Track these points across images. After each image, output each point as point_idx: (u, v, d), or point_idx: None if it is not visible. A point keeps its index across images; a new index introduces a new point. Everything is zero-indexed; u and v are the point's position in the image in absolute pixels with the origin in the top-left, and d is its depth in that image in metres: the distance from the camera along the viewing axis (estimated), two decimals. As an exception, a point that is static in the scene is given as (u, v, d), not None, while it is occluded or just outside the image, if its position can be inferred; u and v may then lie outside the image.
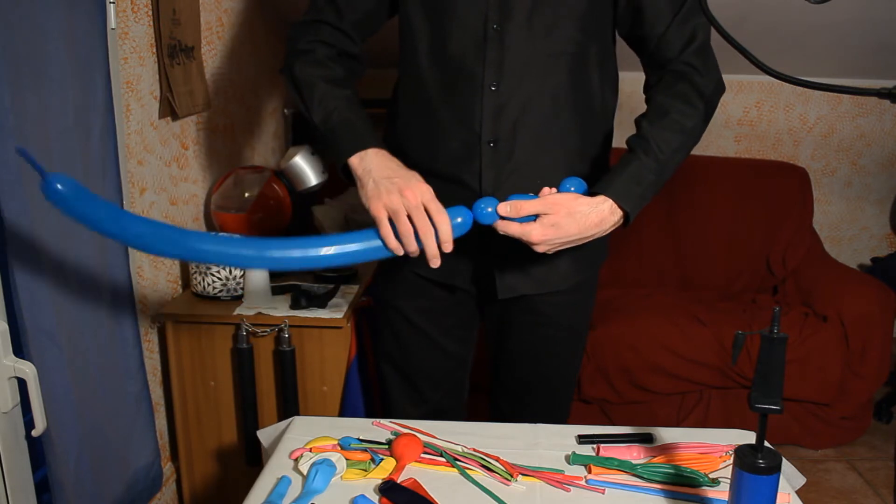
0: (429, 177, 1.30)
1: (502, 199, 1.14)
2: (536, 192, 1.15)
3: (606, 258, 1.46)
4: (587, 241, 1.15)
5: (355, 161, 1.16)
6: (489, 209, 1.11)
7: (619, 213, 1.16)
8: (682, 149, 1.20)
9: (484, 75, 1.23)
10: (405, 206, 1.08)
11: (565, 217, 1.11)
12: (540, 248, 1.13)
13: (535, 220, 1.11)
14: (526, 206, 1.11)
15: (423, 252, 1.37)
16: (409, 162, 1.33)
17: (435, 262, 1.10)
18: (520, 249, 1.15)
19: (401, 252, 1.11)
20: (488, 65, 1.22)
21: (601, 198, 1.14)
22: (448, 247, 1.10)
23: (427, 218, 1.08)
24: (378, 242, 1.10)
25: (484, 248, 1.32)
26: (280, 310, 1.87)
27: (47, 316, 1.33)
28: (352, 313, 1.89)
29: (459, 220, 1.11)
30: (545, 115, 1.26)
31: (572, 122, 1.27)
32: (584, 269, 1.40)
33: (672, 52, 1.23)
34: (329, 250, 1.07)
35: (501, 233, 1.12)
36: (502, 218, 1.11)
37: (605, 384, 2.45)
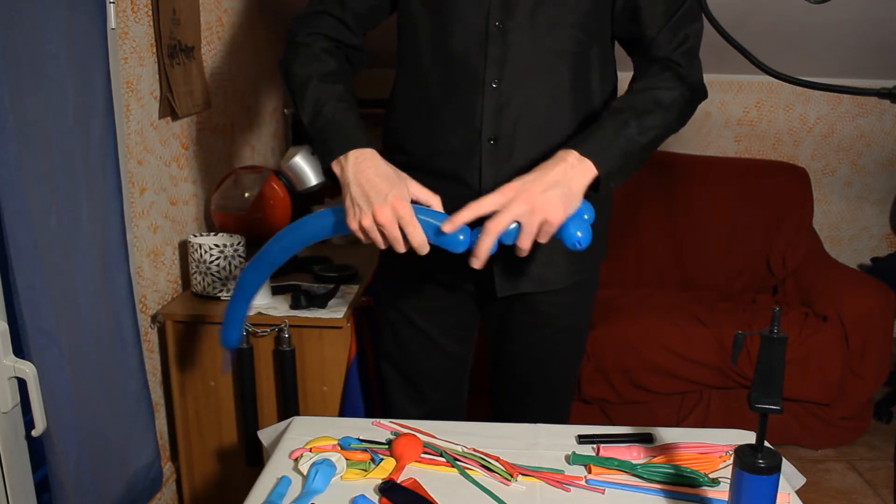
0: (428, 175, 1.30)
1: None
2: None
3: (606, 257, 1.46)
4: (561, 197, 1.06)
5: (336, 170, 1.14)
6: (461, 237, 1.06)
7: (586, 166, 1.09)
8: (658, 123, 1.16)
9: (485, 73, 1.23)
10: (377, 228, 1.07)
11: (520, 187, 1.06)
12: (528, 239, 1.06)
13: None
14: (468, 211, 1.06)
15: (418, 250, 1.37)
16: (409, 160, 1.33)
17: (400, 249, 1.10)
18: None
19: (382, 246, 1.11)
20: (490, 62, 1.22)
21: (563, 151, 1.10)
22: (422, 251, 1.08)
23: (399, 233, 1.07)
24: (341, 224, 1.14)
25: None
26: (280, 310, 1.87)
27: (47, 316, 1.33)
28: (352, 313, 1.89)
29: (462, 237, 1.06)
30: (546, 113, 1.26)
31: (573, 121, 1.27)
32: (584, 267, 1.40)
33: (662, 53, 1.23)
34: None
35: (486, 252, 1.06)
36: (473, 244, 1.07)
37: (605, 384, 2.45)
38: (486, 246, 1.05)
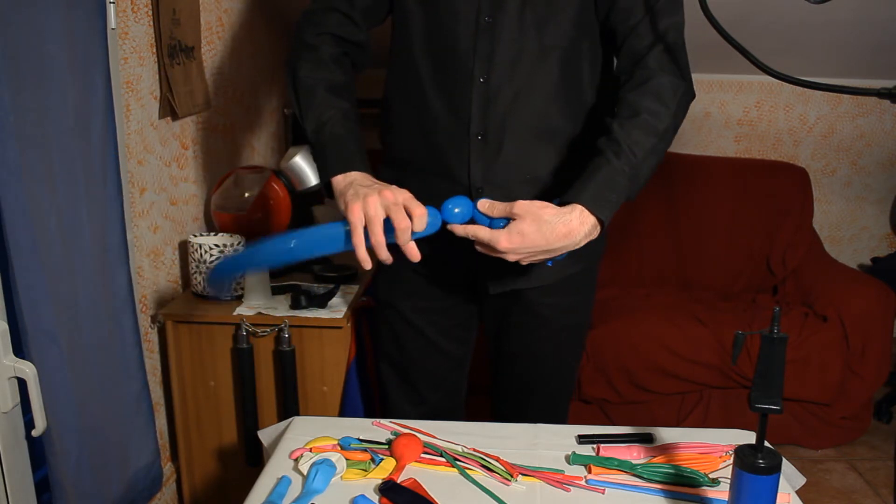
0: (420, 172, 1.30)
1: (491, 190, 1.12)
2: (528, 186, 1.13)
3: (604, 251, 1.44)
4: (558, 252, 1.10)
5: (339, 178, 1.14)
6: (456, 209, 1.10)
7: (590, 222, 1.10)
8: (655, 152, 1.15)
9: (473, 67, 1.23)
10: (384, 206, 1.04)
11: (531, 224, 1.06)
12: (510, 257, 1.09)
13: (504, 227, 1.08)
14: (499, 206, 1.09)
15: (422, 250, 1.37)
16: (400, 155, 1.32)
17: (413, 257, 1.07)
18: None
19: (368, 265, 1.07)
20: (478, 57, 1.22)
21: (570, 206, 1.09)
22: (408, 245, 1.06)
23: (405, 214, 1.04)
24: (343, 235, 1.08)
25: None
26: (280, 310, 1.87)
27: (47, 316, 1.33)
28: (352, 313, 1.89)
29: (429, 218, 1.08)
30: (535, 109, 1.25)
31: (562, 117, 1.27)
32: (576, 261, 1.37)
33: (642, 47, 1.19)
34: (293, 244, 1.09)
35: (471, 237, 1.09)
36: (472, 220, 1.10)
37: (605, 384, 2.45)
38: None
